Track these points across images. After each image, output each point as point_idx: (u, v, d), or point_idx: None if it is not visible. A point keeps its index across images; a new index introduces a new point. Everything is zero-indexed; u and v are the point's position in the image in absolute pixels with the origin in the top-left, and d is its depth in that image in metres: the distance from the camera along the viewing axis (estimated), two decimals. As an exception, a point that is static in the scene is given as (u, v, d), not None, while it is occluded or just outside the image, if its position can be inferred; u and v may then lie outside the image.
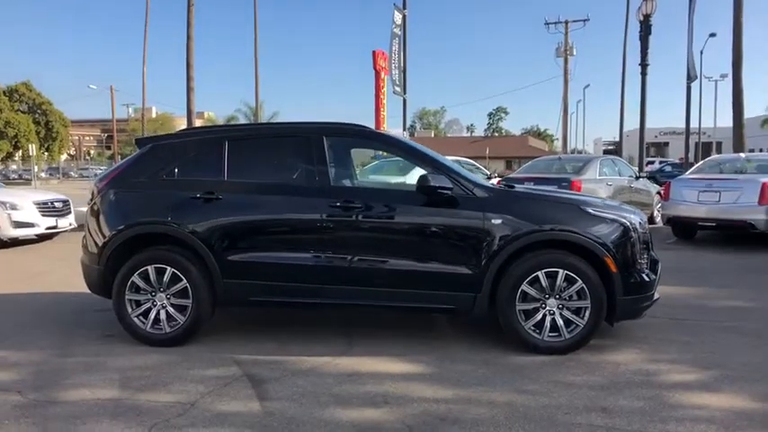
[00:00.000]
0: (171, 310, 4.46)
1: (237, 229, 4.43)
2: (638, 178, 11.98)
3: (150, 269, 4.44)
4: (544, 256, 4.22)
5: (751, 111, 51.56)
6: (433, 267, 4.29)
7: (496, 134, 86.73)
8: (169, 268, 4.42)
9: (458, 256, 4.28)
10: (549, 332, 4.24)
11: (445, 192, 4.23)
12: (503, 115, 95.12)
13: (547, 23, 36.38)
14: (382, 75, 36.11)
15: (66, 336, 4.83)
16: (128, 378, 3.87)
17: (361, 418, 3.25)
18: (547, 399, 3.49)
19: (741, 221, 8.69)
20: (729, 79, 18.00)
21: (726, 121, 48.73)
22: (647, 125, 18.21)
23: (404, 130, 19.34)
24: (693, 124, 47.43)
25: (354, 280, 4.34)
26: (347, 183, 4.79)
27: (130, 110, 64.02)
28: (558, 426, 3.14)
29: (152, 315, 4.47)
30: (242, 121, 51.73)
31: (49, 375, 3.93)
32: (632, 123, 36.98)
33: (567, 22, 35.92)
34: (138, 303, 4.50)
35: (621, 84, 32.15)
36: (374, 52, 33.56)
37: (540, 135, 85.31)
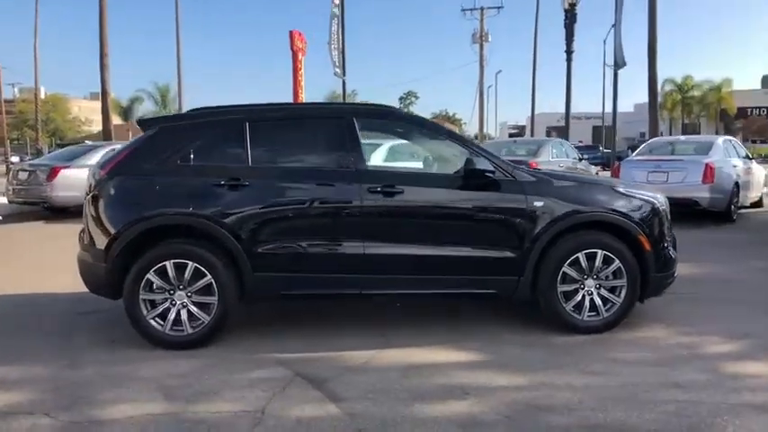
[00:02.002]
0: (193, 308, 4.06)
1: (268, 218, 4.10)
2: (580, 160, 12.52)
3: (168, 265, 4.01)
4: (583, 238, 4.25)
5: (642, 97, 55.78)
6: (477, 252, 4.19)
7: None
8: (191, 263, 4.01)
9: (502, 239, 4.21)
10: (588, 312, 4.29)
11: (490, 175, 4.14)
12: (413, 99, 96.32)
13: (463, 10, 37.15)
14: (300, 56, 35.37)
15: (65, 344, 4.29)
16: (167, 387, 3.48)
17: (452, 413, 3.11)
18: (618, 378, 3.52)
19: (687, 199, 9.29)
20: (628, 67, 19.27)
21: (625, 106, 52.31)
22: (553, 110, 19.09)
23: None
24: (596, 109, 50.50)
25: (398, 268, 4.16)
26: (381, 166, 4.56)
27: (16, 90, 58.41)
28: (648, 404, 3.16)
29: (171, 315, 4.05)
30: (147, 102, 48.80)
31: (72, 391, 3.45)
32: (539, 107, 38.75)
33: (482, 9, 36.82)
34: (154, 303, 4.06)
35: (533, 69, 33.56)
36: (291, 32, 32.73)
37: (449, 120, 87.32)
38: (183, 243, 4.07)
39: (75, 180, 11.76)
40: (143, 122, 4.41)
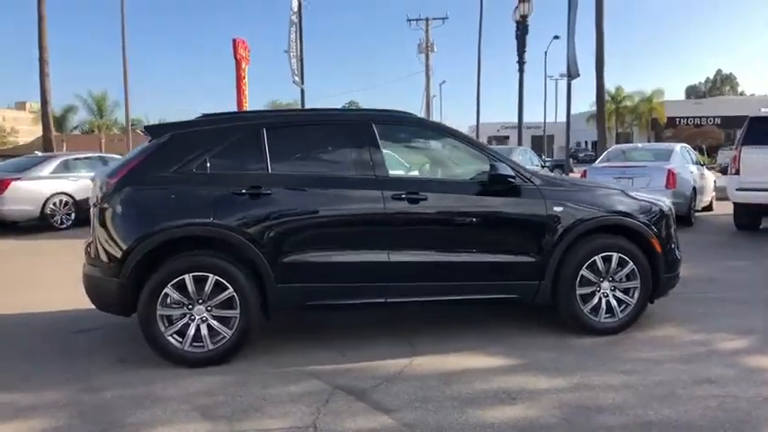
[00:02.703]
0: (214, 323, 3.89)
1: (291, 227, 3.98)
2: (542, 167, 12.86)
3: (188, 278, 3.83)
4: (600, 241, 4.35)
5: (578, 107, 58.12)
6: (500, 257, 4.23)
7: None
8: (211, 276, 3.84)
9: (523, 244, 4.26)
10: (605, 314, 4.39)
11: (512, 180, 4.18)
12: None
13: (409, 20, 37.59)
14: (243, 64, 34.85)
15: (70, 365, 4.01)
16: (202, 407, 3.31)
17: (508, 418, 3.10)
18: (651, 377, 3.61)
19: (652, 203, 9.67)
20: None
21: (561, 116, 54.15)
22: (491, 120, 19.68)
23: None
24: (537, 119, 52.15)
25: (422, 275, 4.13)
26: (403, 173, 4.52)
27: None
28: (690, 400, 3.25)
29: (191, 331, 3.86)
30: (83, 111, 46.83)
31: (99, 416, 3.23)
32: (484, 117, 39.63)
33: (427, 20, 37.38)
34: (171, 319, 3.87)
35: (477, 80, 34.36)
36: (235, 40, 32.29)
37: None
38: (203, 255, 3.90)
39: (27, 193, 11.16)
40: (152, 129, 4.21)
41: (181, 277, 3.82)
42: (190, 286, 3.83)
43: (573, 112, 19.54)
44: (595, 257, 4.32)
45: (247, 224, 3.90)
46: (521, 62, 19.20)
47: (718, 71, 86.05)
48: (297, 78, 18.45)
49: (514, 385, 3.52)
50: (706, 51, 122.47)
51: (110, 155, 14.00)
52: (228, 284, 3.86)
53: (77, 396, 3.50)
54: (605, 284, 4.38)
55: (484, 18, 31.13)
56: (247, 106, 38.35)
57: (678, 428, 2.93)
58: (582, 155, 45.48)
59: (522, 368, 3.81)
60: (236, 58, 33.88)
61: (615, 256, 4.35)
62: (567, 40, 16.91)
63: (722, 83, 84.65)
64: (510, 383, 3.55)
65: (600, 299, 4.38)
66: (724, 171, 15.35)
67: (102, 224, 3.91)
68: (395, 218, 4.07)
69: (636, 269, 4.38)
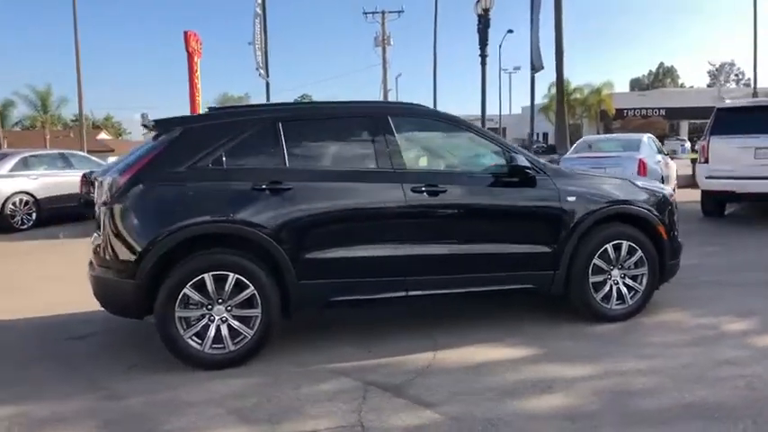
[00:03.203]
0: (235, 323, 3.77)
1: (313, 222, 3.89)
2: None
3: (207, 278, 3.69)
4: (611, 230, 4.44)
5: (527, 101, 59.21)
6: (518, 248, 4.26)
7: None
8: (232, 274, 3.72)
9: (539, 235, 4.30)
10: (616, 301, 4.49)
11: (530, 171, 4.21)
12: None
13: (365, 13, 37.45)
14: (195, 58, 34.01)
15: (77, 373, 3.84)
16: (237, 410, 3.21)
17: (551, 407, 3.13)
18: (674, 360, 3.71)
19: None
20: (522, 71, 20.45)
21: (514, 108, 55.22)
22: (450, 112, 19.84)
23: None
24: (490, 111, 52.86)
25: (443, 268, 4.12)
26: (421, 165, 4.47)
27: None
28: (718, 381, 3.36)
29: (211, 333, 3.74)
30: (24, 107, 44.77)
31: (132, 425, 3.09)
32: (443, 109, 39.87)
33: (383, 13, 37.33)
34: (189, 321, 3.73)
35: (434, 72, 34.60)
36: (186, 33, 31.44)
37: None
38: (223, 253, 3.77)
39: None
40: (162, 123, 4.03)
41: (200, 277, 3.69)
42: (210, 286, 3.70)
43: (525, 104, 19.94)
44: (607, 246, 4.41)
45: (268, 220, 3.79)
46: (483, 55, 19.35)
47: (661, 64, 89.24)
48: (262, 71, 18.10)
49: (545, 375, 3.55)
50: (648, 44, 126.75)
51: (72, 151, 13.38)
52: (249, 283, 3.75)
53: (100, 404, 3.34)
54: (615, 272, 4.48)
55: (442, 10, 31.32)
56: (200, 100, 37.36)
57: (717, 409, 3.01)
58: (535, 146, 46.47)
59: (546, 358, 3.85)
60: (187, 51, 32.99)
61: (625, 244, 4.45)
62: (530, 33, 17.19)
63: (664, 75, 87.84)
64: (540, 373, 3.58)
65: (611, 286, 4.47)
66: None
67: (115, 224, 3.73)
68: (415, 211, 4.05)
69: (644, 256, 4.49)
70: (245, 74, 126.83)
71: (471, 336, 4.26)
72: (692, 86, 77.96)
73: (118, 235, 3.72)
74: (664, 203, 4.69)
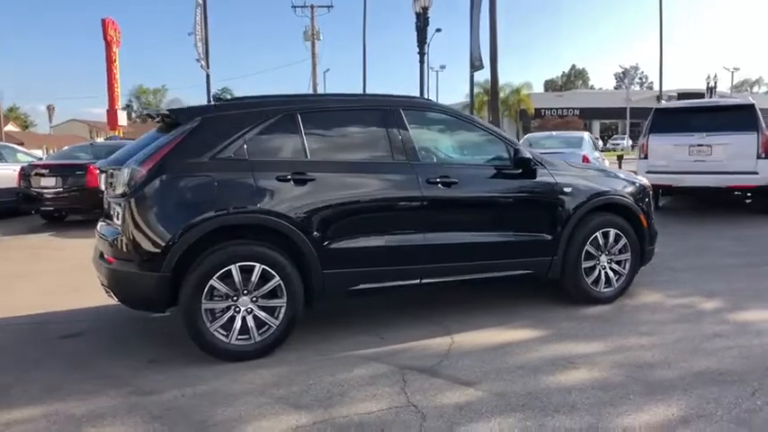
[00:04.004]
0: (261, 314, 3.77)
1: (336, 212, 3.95)
2: None
3: (234, 269, 3.67)
4: (600, 219, 4.77)
5: (455, 98, 60.81)
6: (522, 236, 4.51)
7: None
8: (258, 265, 3.72)
9: (541, 223, 4.57)
10: (604, 284, 4.84)
11: (533, 164, 4.46)
12: (228, 97, 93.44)
13: (294, 6, 36.97)
14: (114, 47, 32.52)
15: (95, 371, 3.70)
16: (283, 398, 3.23)
17: (579, 380, 3.37)
18: (669, 336, 4.07)
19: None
20: (448, 70, 20.99)
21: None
22: None
23: None
24: (417, 108, 53.59)
25: (454, 256, 4.29)
26: (432, 158, 4.58)
27: None
28: (716, 351, 3.74)
29: (237, 324, 3.72)
30: None
31: (180, 417, 3.05)
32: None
33: (312, 7, 37.03)
34: (214, 312, 3.70)
35: (363, 68, 34.79)
36: (104, 21, 30.07)
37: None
38: (250, 244, 3.75)
39: None
40: (179, 113, 3.94)
41: (227, 268, 3.66)
42: (236, 277, 3.68)
43: (452, 102, 20.45)
44: (597, 233, 4.74)
45: (294, 210, 3.82)
46: (421, 53, 19.79)
47: (573, 66, 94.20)
48: (203, 62, 17.53)
49: (562, 353, 3.81)
50: (561, 46, 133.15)
51: (2, 143, 12.47)
52: (275, 273, 3.76)
53: (133, 400, 3.25)
54: (603, 258, 4.83)
55: (373, 6, 31.51)
56: (119, 91, 35.62)
57: (724, 375, 3.37)
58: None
59: (556, 337, 4.11)
60: (105, 40, 31.39)
61: (612, 231, 4.81)
62: (470, 33, 17.71)
63: (576, 77, 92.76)
64: (556, 351, 3.83)
65: (599, 271, 4.82)
66: None
67: (137, 215, 3.62)
68: (430, 201, 4.19)
69: (628, 243, 4.87)
70: (172, 65, 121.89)
71: (478, 321, 4.46)
72: (600, 88, 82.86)
73: (141, 227, 3.62)
74: (643, 194, 5.10)
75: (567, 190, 4.62)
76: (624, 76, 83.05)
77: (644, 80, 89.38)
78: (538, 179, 4.54)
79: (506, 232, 4.46)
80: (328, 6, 37.36)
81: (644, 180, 5.28)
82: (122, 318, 4.82)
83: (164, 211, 3.64)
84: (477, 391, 3.25)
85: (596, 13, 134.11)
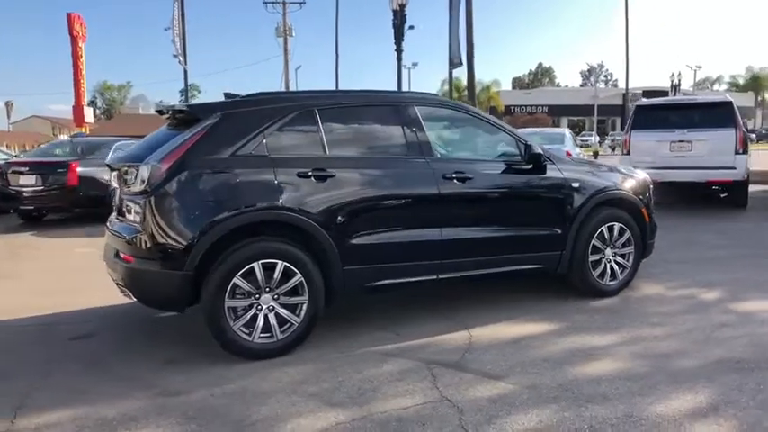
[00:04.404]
0: (283, 311, 3.75)
1: (356, 209, 3.94)
2: None
3: (257, 266, 3.64)
4: (606, 213, 4.87)
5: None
6: (534, 231, 4.58)
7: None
8: (280, 262, 3.69)
9: (551, 217, 4.64)
10: (609, 277, 4.94)
11: (544, 159, 4.53)
12: (196, 93, 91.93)
13: (265, 2, 36.63)
14: (79, 42, 31.76)
15: (114, 373, 3.62)
16: (318, 395, 3.22)
17: (606, 371, 3.43)
18: (679, 326, 4.18)
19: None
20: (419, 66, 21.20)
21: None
22: None
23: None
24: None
25: (470, 251, 4.33)
26: (446, 154, 4.60)
27: None
28: (727, 340, 3.86)
29: (260, 322, 3.69)
30: None
31: (216, 416, 3.01)
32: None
33: (284, 3, 36.73)
34: (236, 311, 3.66)
35: (336, 65, 34.75)
36: (69, 15, 29.39)
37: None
38: (272, 241, 3.72)
39: None
40: (198, 108, 3.87)
41: (250, 265, 3.62)
42: (259, 274, 3.65)
43: None
44: (602, 227, 4.84)
45: (315, 207, 3.80)
46: (398, 50, 19.83)
47: (539, 64, 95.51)
48: (181, 58, 17.19)
49: (580, 345, 3.88)
50: (527, 44, 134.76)
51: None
52: (297, 270, 3.74)
53: (163, 401, 3.19)
54: (608, 251, 4.93)
55: (349, 2, 31.45)
56: (85, 86, 34.74)
57: (741, 362, 3.48)
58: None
59: (571, 330, 4.18)
60: (71, 35, 30.60)
61: (617, 225, 4.91)
62: (449, 30, 17.82)
63: (542, 75, 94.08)
64: (574, 344, 3.91)
65: (605, 264, 4.92)
66: None
67: (159, 213, 3.55)
68: (446, 197, 4.22)
69: (631, 236, 4.99)
70: (139, 61, 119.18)
71: (490, 316, 4.49)
72: (567, 86, 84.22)
73: (163, 225, 3.55)
74: (645, 188, 5.23)
75: (575, 185, 4.70)
76: (590, 74, 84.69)
77: (609, 78, 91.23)
78: (548, 174, 4.61)
79: (519, 227, 4.52)
80: (300, 2, 37.15)
81: (644, 174, 5.41)
82: (129, 318, 4.74)
83: (186, 209, 3.58)
84: (507, 384, 3.29)
85: (560, 12, 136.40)
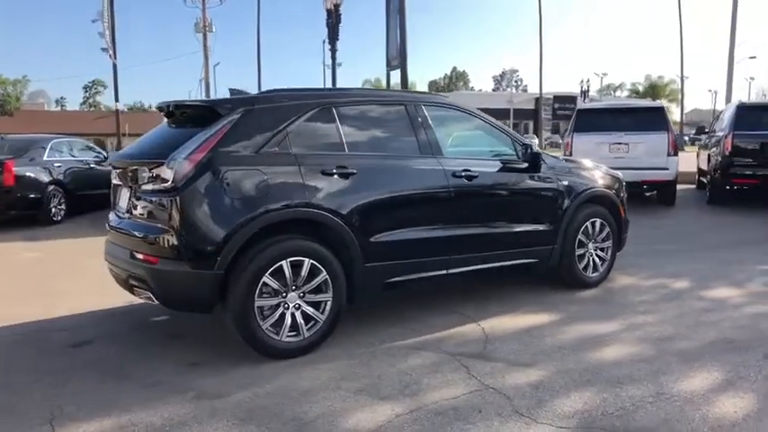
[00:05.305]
0: (309, 309, 3.73)
1: (377, 206, 3.99)
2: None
3: (285, 264, 3.60)
4: (590, 209, 5.19)
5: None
6: (531, 226, 4.80)
7: (93, 108, 79.17)
8: (307, 260, 3.68)
9: (546, 214, 4.89)
10: (592, 270, 5.27)
11: (540, 159, 4.77)
12: (101, 89, 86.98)
13: (184, -3, 35.23)
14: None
15: (136, 380, 3.46)
16: (364, 390, 3.25)
17: (623, 355, 3.68)
18: (667, 313, 4.54)
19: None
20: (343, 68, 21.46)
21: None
22: None
23: (116, 100, 16.53)
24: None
25: (477, 246, 4.48)
26: (453, 152, 4.69)
27: None
28: (716, 323, 4.24)
29: (287, 321, 3.65)
30: None
31: (271, 418, 2.96)
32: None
33: (204, -2, 35.51)
34: (263, 310, 3.60)
35: (258, 61, 34.19)
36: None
37: (146, 112, 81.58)
38: (299, 239, 3.69)
39: None
40: (218, 104, 3.75)
41: (278, 264, 3.58)
42: (287, 273, 3.62)
43: None
44: (587, 223, 5.16)
45: (340, 205, 3.81)
46: (333, 50, 19.83)
47: (454, 68, 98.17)
48: (111, 52, 16.24)
49: (587, 332, 4.13)
50: (442, 49, 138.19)
51: None
52: (322, 268, 3.74)
53: (210, 404, 3.10)
54: (591, 245, 5.26)
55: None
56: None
57: (734, 343, 3.85)
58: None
59: (571, 319, 4.43)
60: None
61: (598, 221, 5.25)
62: (386, 31, 18.03)
63: (457, 79, 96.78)
64: (582, 332, 4.15)
65: (588, 258, 5.25)
66: None
67: (188, 211, 3.43)
68: (455, 194, 4.35)
69: (610, 231, 5.34)
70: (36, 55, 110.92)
71: (491, 309, 4.65)
72: (480, 90, 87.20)
73: (194, 223, 3.43)
74: (620, 186, 5.61)
75: (564, 183, 4.98)
76: (502, 79, 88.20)
77: (519, 83, 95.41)
78: (542, 173, 4.85)
79: (518, 223, 4.74)
80: (221, -2, 36.08)
81: (619, 173, 5.80)
82: (122, 322, 4.56)
83: (217, 207, 3.48)
84: (539, 371, 3.46)
85: (472, 17, 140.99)
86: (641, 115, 10.63)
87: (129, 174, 3.94)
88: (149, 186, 3.64)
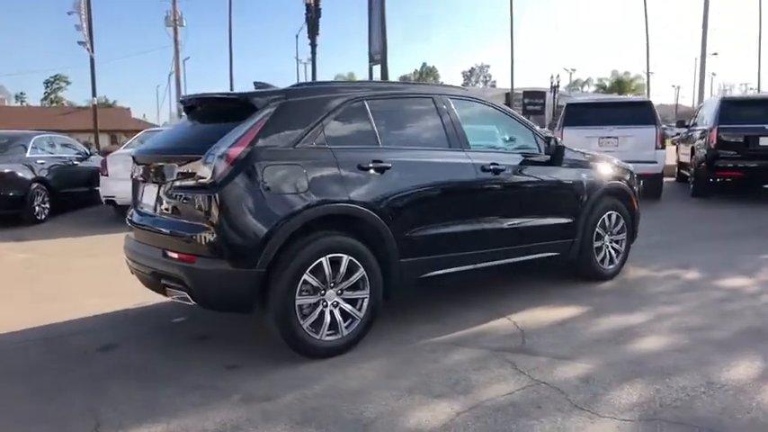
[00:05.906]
0: (347, 307, 3.65)
1: (411, 201, 3.92)
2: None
3: (325, 261, 3.52)
4: (607, 202, 5.23)
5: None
6: (554, 219, 4.80)
7: (54, 104, 76.80)
8: (346, 256, 3.60)
9: (567, 207, 4.90)
10: (608, 262, 5.31)
11: (564, 152, 4.76)
12: (63, 85, 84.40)
13: (154, -11, 34.46)
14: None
15: (175, 384, 3.34)
16: (418, 388, 3.18)
17: (656, 347, 3.70)
18: (690, 303, 4.60)
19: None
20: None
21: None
22: None
23: (93, 95, 16.00)
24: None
25: (505, 240, 4.46)
26: (479, 146, 4.63)
27: None
28: (736, 313, 4.31)
29: (326, 318, 3.57)
30: None
31: (330, 419, 2.88)
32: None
33: (174, -9, 34.77)
34: (302, 308, 3.51)
35: (230, 58, 33.68)
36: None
37: (110, 108, 79.54)
38: (338, 235, 3.60)
39: None
40: (252, 97, 3.62)
41: (318, 261, 3.49)
42: (327, 269, 3.53)
43: None
44: (604, 216, 5.20)
45: (377, 200, 3.74)
46: (313, 44, 19.62)
47: (424, 64, 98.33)
48: (88, 45, 15.70)
49: (619, 324, 4.15)
50: (411, 44, 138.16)
51: None
52: (360, 264, 3.66)
53: (261, 407, 3.01)
54: (607, 238, 5.30)
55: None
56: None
57: (762, 332, 3.92)
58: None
59: (599, 312, 4.44)
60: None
61: (614, 214, 5.29)
62: (369, 26, 17.91)
63: (427, 74, 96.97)
64: (614, 323, 4.17)
65: (604, 250, 5.28)
66: None
67: (229, 208, 3.31)
68: (483, 188, 4.33)
69: (624, 223, 5.39)
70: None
71: (517, 303, 4.62)
72: (450, 85, 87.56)
73: (235, 220, 3.31)
74: (633, 179, 5.66)
75: (584, 176, 5.00)
76: (471, 75, 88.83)
77: (488, 78, 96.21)
78: (563, 166, 4.86)
79: (543, 216, 4.73)
80: (192, -9, 35.37)
81: (630, 166, 5.85)
82: (141, 324, 4.45)
83: (259, 203, 3.37)
84: (585, 365, 3.46)
85: (451, 16, 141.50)
86: (630, 109, 10.80)
87: (154, 169, 3.79)
88: (185, 182, 3.50)
